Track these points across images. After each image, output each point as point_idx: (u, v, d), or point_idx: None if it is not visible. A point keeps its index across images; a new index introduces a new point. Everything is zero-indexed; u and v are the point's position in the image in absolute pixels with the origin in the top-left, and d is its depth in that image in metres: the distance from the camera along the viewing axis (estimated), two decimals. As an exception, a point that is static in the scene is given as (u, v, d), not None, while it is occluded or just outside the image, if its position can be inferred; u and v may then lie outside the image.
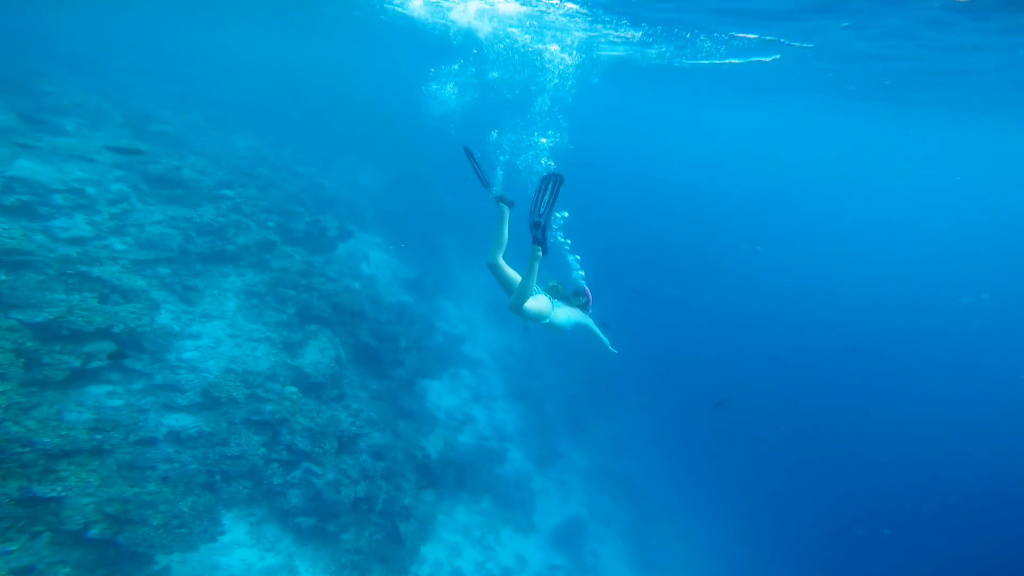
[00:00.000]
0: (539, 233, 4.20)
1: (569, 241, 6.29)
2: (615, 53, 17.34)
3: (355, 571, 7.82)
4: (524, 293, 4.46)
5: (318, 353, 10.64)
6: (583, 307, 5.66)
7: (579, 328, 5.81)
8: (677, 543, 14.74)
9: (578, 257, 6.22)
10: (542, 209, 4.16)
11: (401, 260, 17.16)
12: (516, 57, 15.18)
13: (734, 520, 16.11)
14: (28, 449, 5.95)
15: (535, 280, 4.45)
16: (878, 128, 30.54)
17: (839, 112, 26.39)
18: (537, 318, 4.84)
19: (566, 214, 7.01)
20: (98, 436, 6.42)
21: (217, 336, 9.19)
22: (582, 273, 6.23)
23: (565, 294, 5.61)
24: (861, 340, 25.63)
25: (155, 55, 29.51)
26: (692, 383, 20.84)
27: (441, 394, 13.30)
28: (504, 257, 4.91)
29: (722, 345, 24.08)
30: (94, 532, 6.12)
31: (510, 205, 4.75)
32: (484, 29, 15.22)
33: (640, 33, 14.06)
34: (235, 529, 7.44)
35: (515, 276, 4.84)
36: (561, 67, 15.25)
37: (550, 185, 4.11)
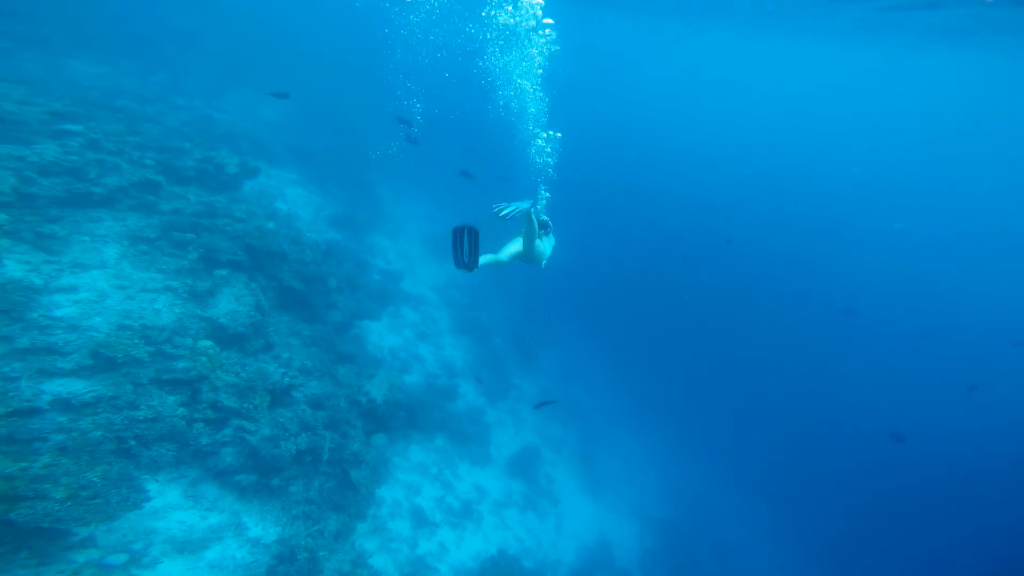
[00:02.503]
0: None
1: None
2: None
3: (308, 520, 7.26)
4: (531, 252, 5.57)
5: (234, 301, 9.34)
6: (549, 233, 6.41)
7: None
8: (621, 460, 15.62)
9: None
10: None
11: (324, 196, 15.43)
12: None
13: (671, 434, 17.30)
14: None
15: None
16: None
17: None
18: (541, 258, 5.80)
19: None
20: (-56, 416, 5.11)
21: (100, 288, 7.65)
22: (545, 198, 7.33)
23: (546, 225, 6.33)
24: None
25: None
26: (628, 307, 21.51)
27: (383, 334, 12.49)
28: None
29: (654, 270, 24.74)
30: (-26, 513, 5.12)
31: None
32: None
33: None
34: (166, 493, 6.56)
35: (510, 249, 5.64)
36: None
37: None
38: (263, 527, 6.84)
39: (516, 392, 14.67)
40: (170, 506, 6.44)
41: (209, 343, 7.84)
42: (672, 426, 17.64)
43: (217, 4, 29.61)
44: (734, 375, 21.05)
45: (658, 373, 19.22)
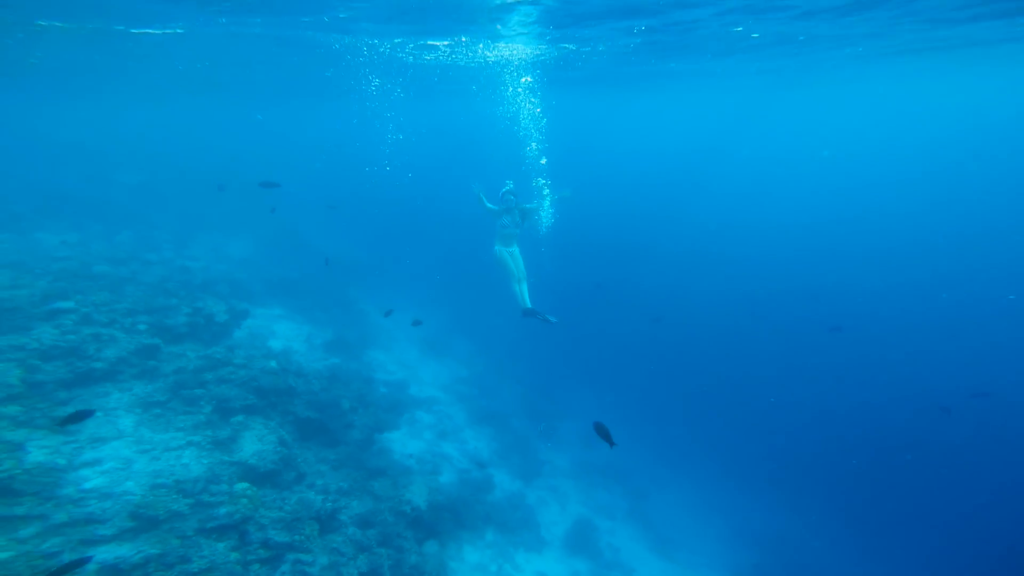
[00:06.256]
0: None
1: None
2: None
3: (387, 656, 6.62)
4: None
5: (257, 442, 9.16)
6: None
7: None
8: (681, 512, 14.76)
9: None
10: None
11: (312, 324, 15.64)
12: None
13: (723, 471, 16.13)
14: None
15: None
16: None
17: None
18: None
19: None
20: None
21: (124, 456, 7.45)
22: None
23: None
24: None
25: None
26: (638, 348, 20.99)
27: (405, 442, 12.17)
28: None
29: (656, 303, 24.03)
30: None
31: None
32: None
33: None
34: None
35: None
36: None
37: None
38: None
39: (549, 467, 14.21)
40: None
41: (245, 484, 7.59)
42: (724, 463, 16.39)
43: (171, 152, 30.89)
44: (777, 395, 19.46)
45: (691, 410, 18.28)
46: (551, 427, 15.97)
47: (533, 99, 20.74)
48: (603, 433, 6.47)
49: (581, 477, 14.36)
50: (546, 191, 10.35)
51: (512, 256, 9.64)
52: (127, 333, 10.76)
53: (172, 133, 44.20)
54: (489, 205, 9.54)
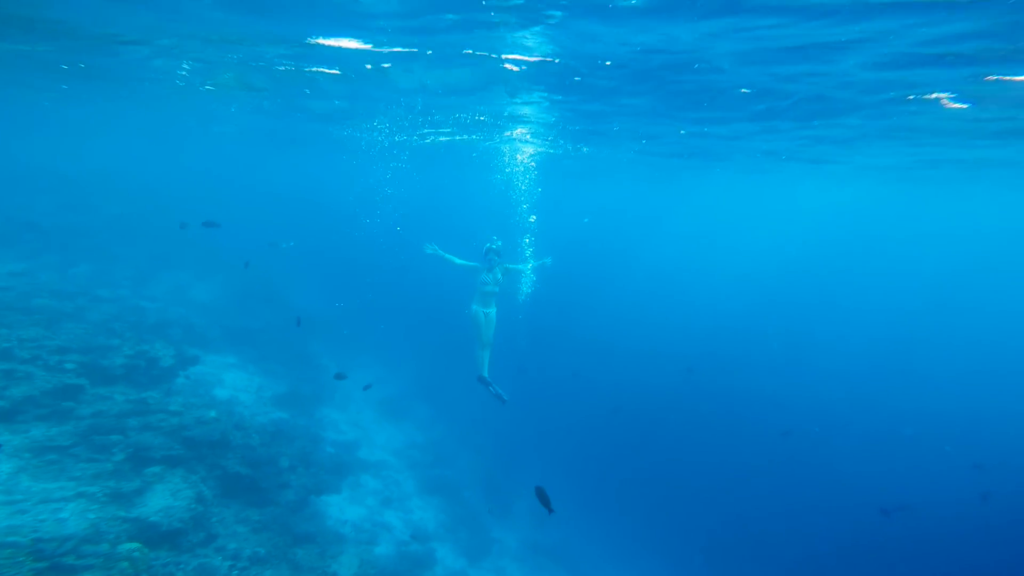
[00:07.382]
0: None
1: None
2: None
3: None
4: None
5: (169, 497, 8.26)
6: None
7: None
8: None
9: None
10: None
11: (265, 376, 14.84)
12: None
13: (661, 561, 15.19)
14: None
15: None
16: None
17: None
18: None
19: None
20: None
21: (-25, 510, 6.54)
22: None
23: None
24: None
25: None
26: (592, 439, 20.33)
27: (344, 507, 11.10)
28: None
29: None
30: None
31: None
32: None
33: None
34: None
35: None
36: None
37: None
38: None
39: (498, 547, 12.97)
40: None
41: (134, 545, 6.70)
42: (668, 559, 15.47)
43: (159, 186, 30.23)
44: (723, 494, 18.85)
45: (640, 502, 17.39)
46: (505, 503, 14.79)
47: (530, 167, 21.69)
48: (543, 498, 6.37)
49: (528, 559, 13.15)
50: (528, 252, 10.08)
51: (487, 319, 9.05)
52: (48, 371, 10.07)
53: (164, 168, 44.65)
54: (459, 262, 8.75)
